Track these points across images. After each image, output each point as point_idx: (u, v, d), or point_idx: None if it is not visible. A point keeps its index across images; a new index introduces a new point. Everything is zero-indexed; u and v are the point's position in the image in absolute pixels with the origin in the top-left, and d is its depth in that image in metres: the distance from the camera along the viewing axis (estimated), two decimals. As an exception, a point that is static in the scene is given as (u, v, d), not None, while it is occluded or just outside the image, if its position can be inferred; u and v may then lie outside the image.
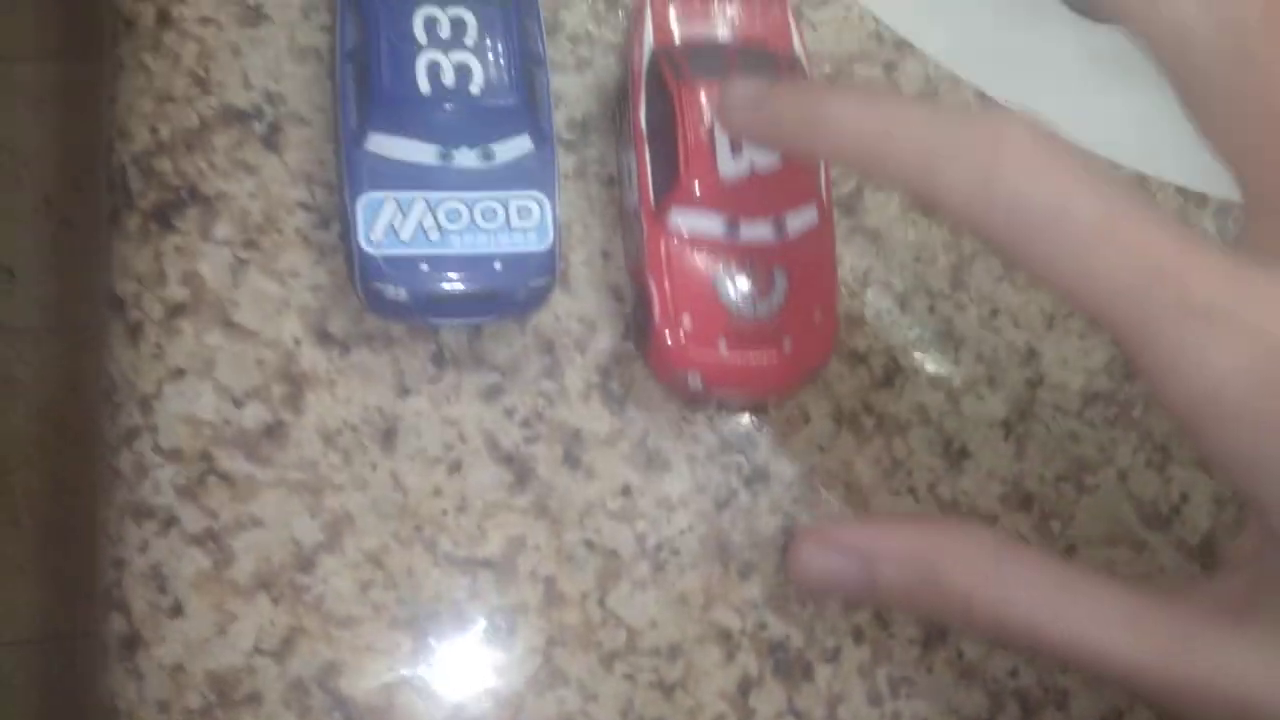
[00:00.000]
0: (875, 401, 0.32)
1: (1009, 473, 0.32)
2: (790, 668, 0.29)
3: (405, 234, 0.27)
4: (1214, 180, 0.36)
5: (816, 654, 0.29)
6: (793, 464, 0.30)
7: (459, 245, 0.27)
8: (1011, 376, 0.33)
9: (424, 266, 0.27)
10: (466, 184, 0.28)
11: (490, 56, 0.28)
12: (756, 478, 0.30)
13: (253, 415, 0.28)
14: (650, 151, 0.29)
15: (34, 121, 1.20)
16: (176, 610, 0.26)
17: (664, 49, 0.30)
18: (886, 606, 0.29)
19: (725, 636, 0.29)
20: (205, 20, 0.30)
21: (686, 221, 0.28)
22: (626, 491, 0.29)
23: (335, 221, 0.30)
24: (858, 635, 0.30)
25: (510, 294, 0.28)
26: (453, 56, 0.28)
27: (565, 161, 0.31)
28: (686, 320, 0.28)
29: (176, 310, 0.28)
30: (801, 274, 0.29)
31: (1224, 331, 0.19)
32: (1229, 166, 0.23)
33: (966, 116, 0.22)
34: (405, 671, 0.27)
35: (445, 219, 0.27)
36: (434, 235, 0.27)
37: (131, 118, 0.29)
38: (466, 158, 0.28)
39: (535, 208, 0.28)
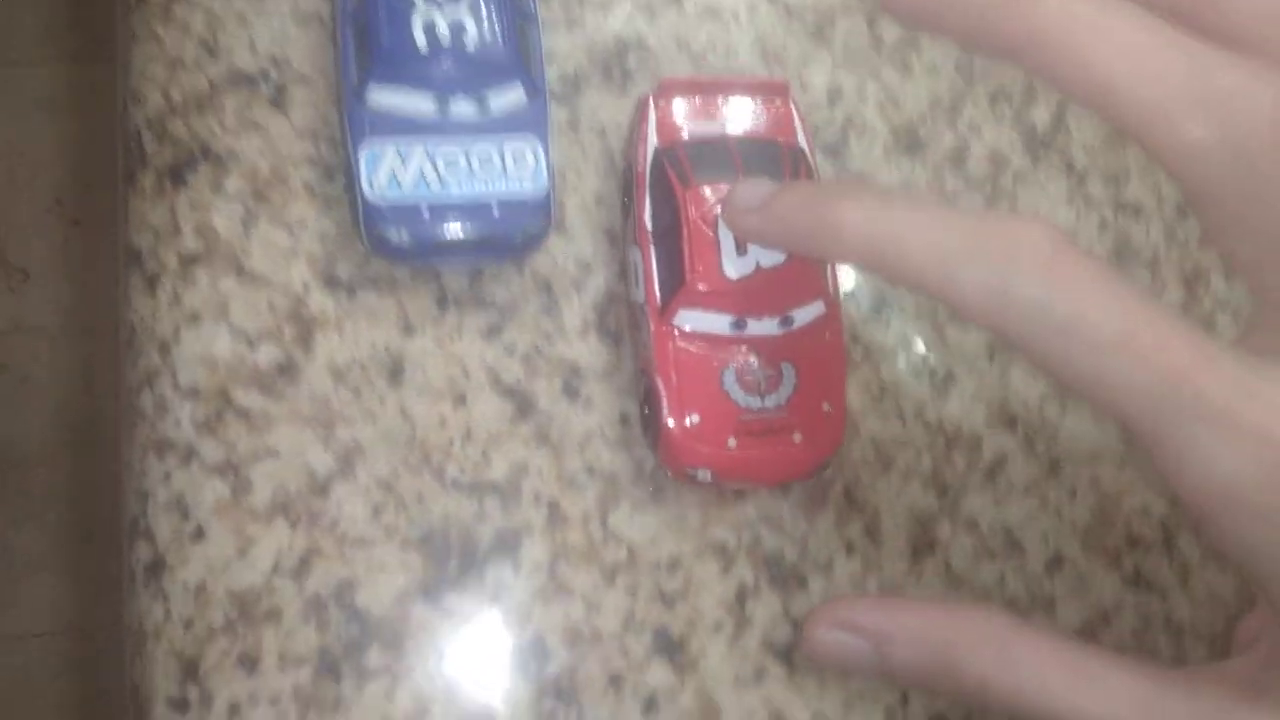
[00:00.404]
0: (863, 333, 0.33)
1: (994, 396, 0.33)
2: (785, 578, 0.30)
3: (406, 181, 0.29)
4: None
5: (810, 566, 0.30)
6: (782, 391, 0.32)
7: (458, 191, 0.29)
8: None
9: (425, 212, 0.29)
10: (463, 132, 0.29)
11: (483, 13, 0.29)
12: (748, 404, 0.32)
13: (266, 355, 0.29)
14: (656, 250, 0.29)
15: (45, 124, 1.22)
16: (199, 535, 0.28)
17: (667, 148, 0.29)
18: (900, 685, 0.30)
19: (721, 550, 0.30)
20: (210, -13, 0.32)
21: (693, 320, 0.28)
22: (625, 421, 0.31)
23: (340, 175, 0.31)
24: (849, 548, 0.31)
25: (508, 237, 0.29)
26: (447, 13, 0.29)
27: (558, 113, 0.33)
28: (695, 418, 0.28)
29: (191, 260, 0.29)
30: (810, 366, 0.29)
31: (1233, 433, 0.20)
32: (1237, 272, 0.23)
33: (982, 220, 0.22)
34: (418, 588, 0.28)
35: (444, 166, 0.29)
36: (433, 182, 0.29)
37: (144, 83, 0.31)
38: (462, 107, 0.29)
39: (530, 154, 0.30)
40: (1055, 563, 0.32)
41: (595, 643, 0.29)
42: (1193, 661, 0.33)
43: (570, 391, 0.31)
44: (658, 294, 0.29)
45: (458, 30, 0.29)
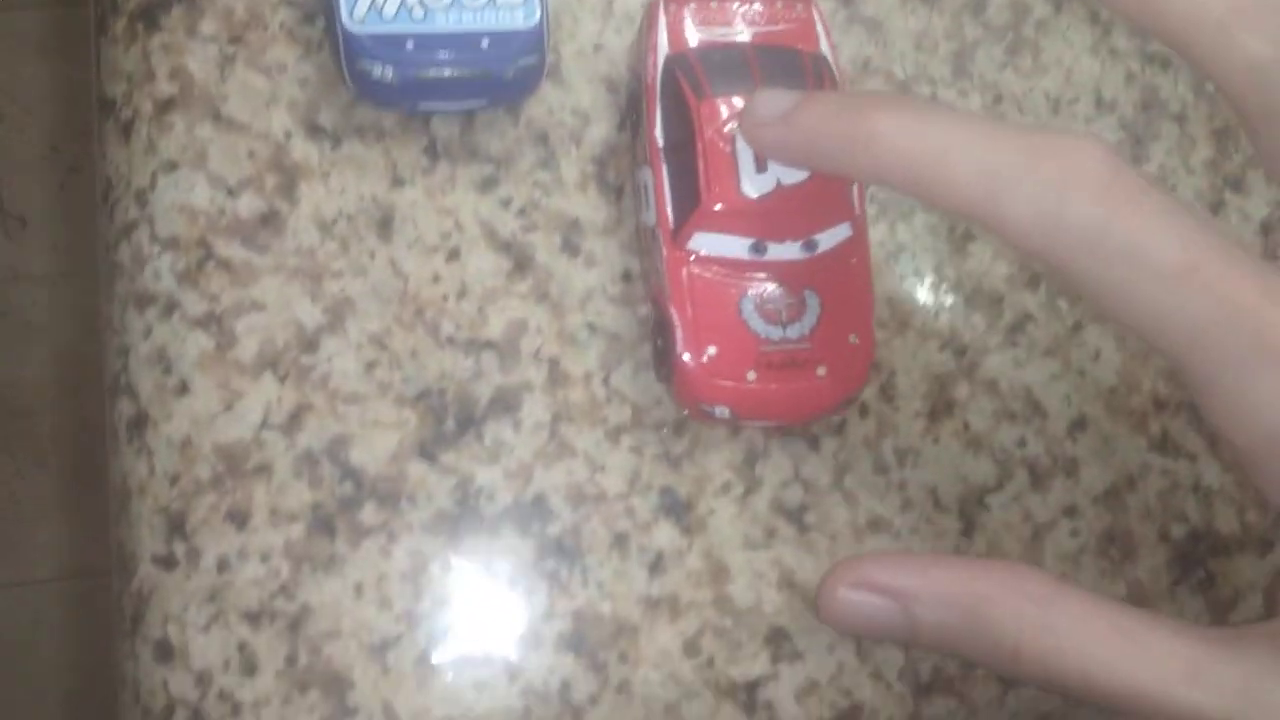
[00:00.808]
0: (877, 191, 0.31)
1: (1015, 254, 0.32)
2: (796, 440, 0.29)
3: (389, 11, 0.27)
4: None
5: (822, 426, 0.29)
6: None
7: (444, 23, 0.27)
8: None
9: (409, 45, 0.27)
10: (449, -39, 0.27)
11: None
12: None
13: (247, 205, 0.28)
14: (668, 169, 0.27)
15: (37, 69, 1.20)
16: (183, 389, 0.26)
17: (679, 57, 0.27)
18: (926, 650, 0.28)
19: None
20: None
21: (709, 244, 0.26)
22: (627, 277, 0.29)
23: (320, 17, 0.29)
24: (863, 410, 0.30)
25: (499, 74, 0.28)
26: None
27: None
28: (712, 350, 0.26)
29: (166, 105, 0.28)
30: (835, 294, 0.27)
31: None
32: None
33: (1034, 137, 0.20)
34: (414, 445, 0.27)
35: (429, -3, 0.27)
36: (418, 13, 0.27)
37: (111, -78, 0.29)
38: (448, -64, 0.27)
39: (522, -17, 0.28)
40: (1078, 425, 0.31)
41: (599, 503, 0.28)
42: (1221, 525, 0.31)
43: (570, 247, 0.29)
44: (670, 217, 0.27)
45: None
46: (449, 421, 0.27)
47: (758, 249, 0.26)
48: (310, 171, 0.28)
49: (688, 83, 0.26)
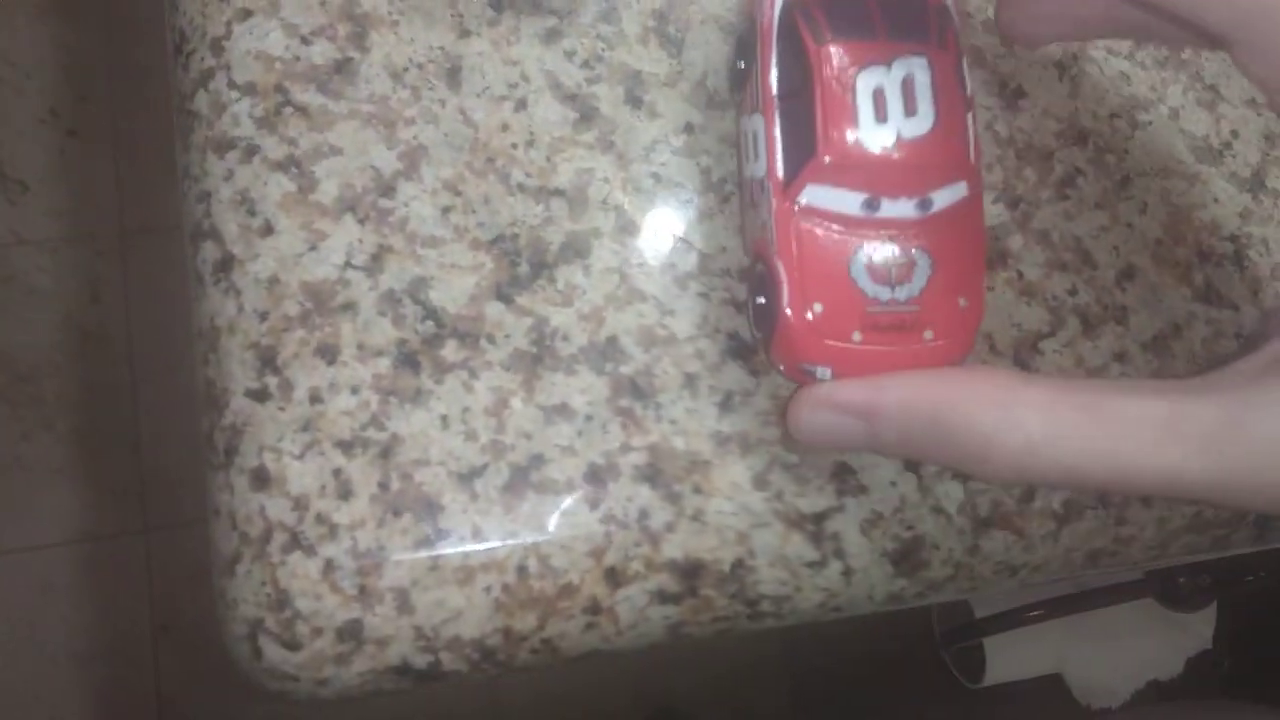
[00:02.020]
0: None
1: (1064, 111, 0.32)
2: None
3: None
4: None
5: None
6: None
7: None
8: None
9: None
10: None
11: None
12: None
13: (321, 52, 0.28)
14: (781, 117, 0.26)
15: (35, 34, 1.20)
16: (267, 230, 0.27)
17: (798, 1, 0.26)
18: (897, 458, 0.28)
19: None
20: None
21: (820, 198, 0.25)
22: (689, 129, 0.30)
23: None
24: (922, 255, 0.30)
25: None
26: None
27: None
28: (818, 307, 0.25)
29: (238, -40, 0.28)
30: (946, 256, 0.26)
31: None
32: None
33: None
34: (490, 287, 0.28)
35: None
36: None
37: None
38: None
39: None
40: (1126, 274, 0.32)
41: (670, 344, 0.28)
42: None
43: (633, 100, 0.30)
44: (781, 167, 0.26)
45: None
46: (523, 265, 0.28)
47: (871, 205, 0.25)
48: (380, 20, 0.29)
49: (807, 27, 0.25)
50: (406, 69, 0.28)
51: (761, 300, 0.26)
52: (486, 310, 0.27)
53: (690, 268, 0.29)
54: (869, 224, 0.25)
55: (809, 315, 0.25)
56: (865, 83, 0.25)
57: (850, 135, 0.25)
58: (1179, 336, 0.32)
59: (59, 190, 1.20)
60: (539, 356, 0.27)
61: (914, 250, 0.25)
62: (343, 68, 0.28)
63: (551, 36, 0.30)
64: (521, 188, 0.29)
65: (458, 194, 0.28)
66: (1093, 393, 0.21)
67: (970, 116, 0.26)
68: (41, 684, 1.08)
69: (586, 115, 0.29)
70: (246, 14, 0.28)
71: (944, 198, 0.25)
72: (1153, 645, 0.93)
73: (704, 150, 0.30)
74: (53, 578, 1.11)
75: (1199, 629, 0.92)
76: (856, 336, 0.25)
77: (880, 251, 0.25)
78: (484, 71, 0.29)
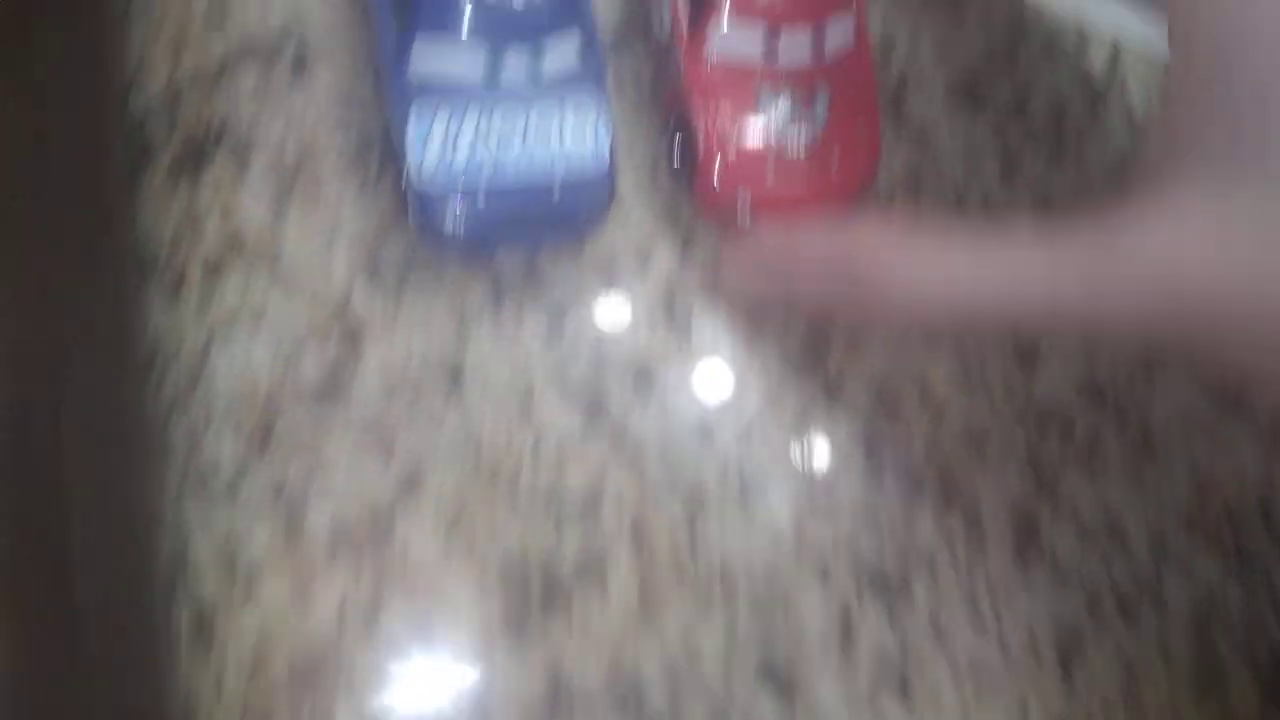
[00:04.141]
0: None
1: (1080, 368, 0.31)
2: (888, 588, 0.28)
3: (458, 156, 0.25)
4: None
5: (913, 571, 0.28)
6: (867, 371, 0.29)
7: (515, 173, 0.26)
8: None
9: (480, 200, 0.25)
10: (517, 99, 0.26)
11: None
12: (834, 385, 0.29)
13: (311, 366, 0.26)
14: None
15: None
16: (250, 588, 0.24)
17: None
18: (820, 316, 0.30)
19: (823, 573, 0.27)
20: (211, -51, 0.28)
21: (725, 42, 0.28)
22: (704, 430, 0.28)
23: (376, 149, 0.28)
24: (949, 538, 0.29)
25: (570, 212, 0.26)
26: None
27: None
28: (731, 151, 0.27)
29: (216, 263, 0.26)
30: (843, 91, 0.28)
31: None
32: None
33: None
34: (500, 619, 0.25)
35: (497, 139, 0.26)
36: (487, 158, 0.26)
37: (145, 63, 0.27)
38: (515, 69, 0.26)
39: (589, 119, 0.26)
40: (1158, 545, 0.30)
41: (696, 675, 0.26)
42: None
43: (642, 389, 0.28)
44: (685, 24, 0.28)
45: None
46: (533, 596, 0.26)
47: (770, 44, 0.28)
48: (374, 318, 0.26)
49: None
50: (404, 376, 0.26)
51: (680, 149, 0.28)
52: (497, 656, 0.25)
53: (716, 591, 0.27)
54: (771, 69, 0.28)
55: (728, 155, 0.27)
56: None
57: None
58: (1213, 605, 0.30)
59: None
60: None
61: (815, 86, 0.28)
62: (334, 381, 0.26)
63: (555, 326, 0.28)
64: (529, 500, 0.26)
65: (460, 517, 0.26)
66: (977, 238, 0.23)
67: None
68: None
69: (594, 411, 0.27)
70: (227, 331, 0.25)
71: (834, 37, 0.28)
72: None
73: (721, 441, 0.28)
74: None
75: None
76: (770, 173, 0.27)
77: (784, 91, 0.28)
78: (486, 370, 0.27)
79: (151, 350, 0.26)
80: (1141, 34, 0.36)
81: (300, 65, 0.28)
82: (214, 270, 0.26)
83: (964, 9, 0.34)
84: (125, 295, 0.27)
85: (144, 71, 0.27)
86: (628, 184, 0.29)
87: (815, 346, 0.29)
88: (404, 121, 0.25)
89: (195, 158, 0.26)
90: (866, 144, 0.28)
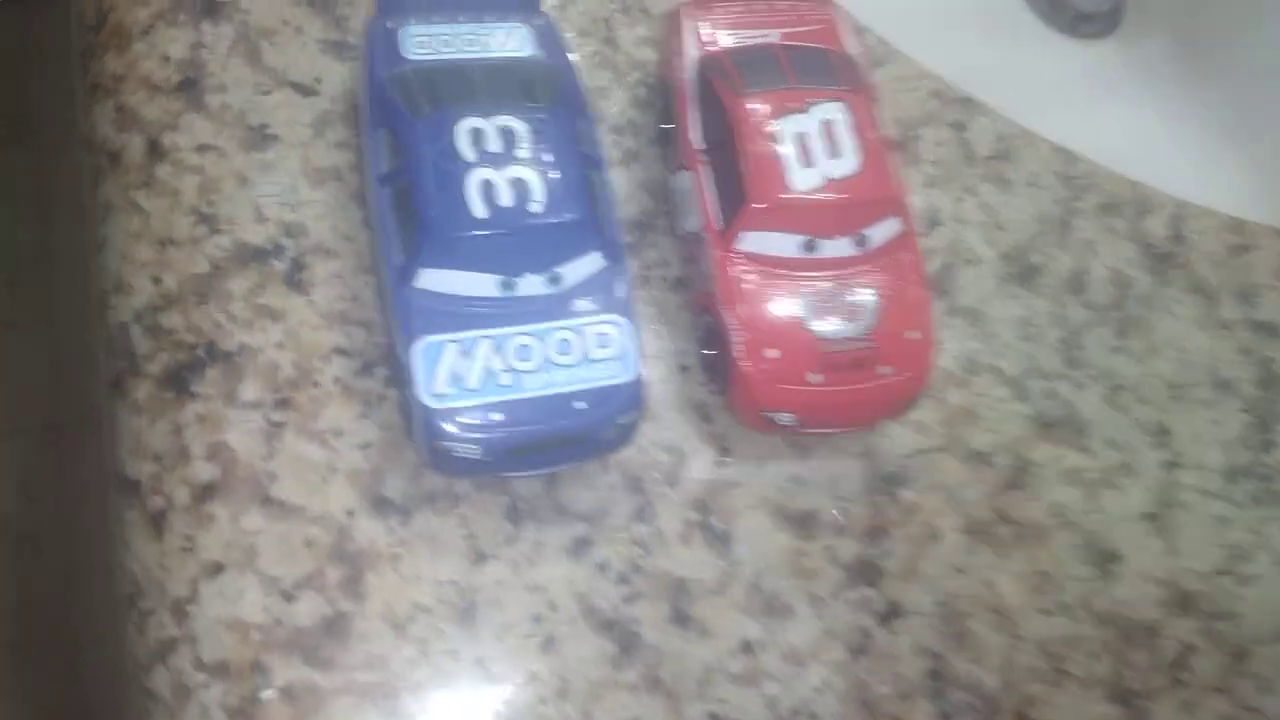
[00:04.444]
0: (1010, 509, 0.28)
1: (1164, 572, 0.28)
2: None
3: (471, 381, 0.23)
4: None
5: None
6: (929, 592, 0.27)
7: (534, 386, 0.23)
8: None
9: (496, 416, 0.23)
10: (535, 315, 0.24)
11: (547, 166, 0.24)
12: (891, 613, 0.26)
13: (308, 610, 0.23)
14: (709, 170, 0.26)
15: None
16: None
17: (709, 59, 0.27)
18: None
19: (888, 815, 0.24)
20: (204, 148, 0.26)
21: (759, 243, 0.25)
22: (747, 648, 0.25)
23: (379, 365, 0.25)
24: (1030, 787, 0.26)
25: (596, 434, 0.24)
26: (506, 171, 0.24)
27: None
28: (772, 353, 0.25)
29: (205, 492, 0.23)
30: (891, 291, 0.26)
31: None
32: None
33: None
34: None
35: (515, 358, 0.23)
36: (504, 378, 0.23)
37: (128, 268, 0.25)
38: (532, 284, 0.24)
39: (615, 332, 0.24)
40: (1258, 771, 0.27)
41: None
42: None
43: (680, 617, 0.25)
44: (715, 218, 0.26)
45: (521, 192, 0.24)
46: None
47: (809, 246, 0.25)
48: (378, 557, 0.24)
49: (722, 82, 0.26)
50: (411, 616, 0.24)
51: (713, 353, 0.26)
52: None
53: (760, 834, 0.24)
54: (811, 265, 0.25)
55: (764, 362, 0.25)
56: (787, 129, 0.25)
57: (778, 180, 0.25)
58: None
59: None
60: None
61: (859, 287, 0.26)
62: (334, 626, 0.23)
63: (580, 548, 0.25)
64: (554, 754, 0.23)
65: (477, 777, 0.23)
66: None
67: (890, 155, 0.26)
68: None
69: (627, 645, 0.25)
70: (216, 569, 0.23)
71: (879, 234, 0.26)
72: None
73: (767, 673, 0.25)
74: None
75: None
76: (813, 378, 0.25)
77: (826, 290, 0.25)
78: (503, 605, 0.24)
79: (134, 587, 0.23)
80: (1206, 192, 0.34)
81: (297, 273, 0.26)
82: (201, 498, 0.23)
83: (1011, 173, 0.32)
84: (111, 520, 0.25)
85: (128, 273, 0.25)
86: (656, 384, 0.27)
87: (866, 571, 0.27)
88: (411, 342, 0.23)
89: (182, 374, 0.24)
90: (918, 345, 0.26)
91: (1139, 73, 0.37)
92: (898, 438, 0.28)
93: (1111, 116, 0.36)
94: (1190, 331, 0.32)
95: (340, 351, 0.25)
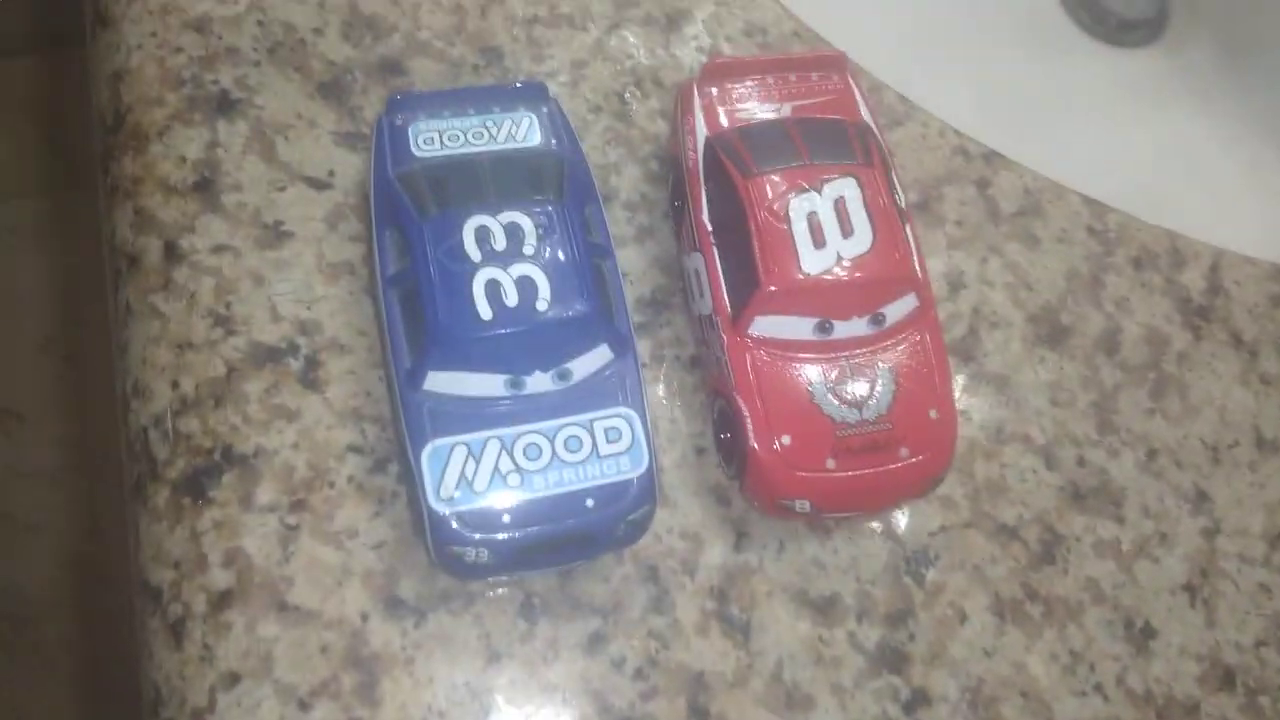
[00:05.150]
0: (1039, 585, 0.27)
1: (1203, 646, 0.27)
2: None
3: (480, 483, 0.23)
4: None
5: None
6: (956, 676, 0.26)
7: (543, 485, 0.23)
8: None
9: (506, 518, 0.23)
10: (543, 412, 0.24)
11: (554, 262, 0.24)
12: (917, 701, 0.26)
13: (325, 716, 0.23)
14: (720, 252, 0.26)
15: (30, 259, 1.18)
16: None
17: (719, 137, 0.26)
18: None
19: None
20: (220, 248, 0.26)
21: (771, 327, 0.25)
22: (768, 740, 0.25)
23: (392, 461, 0.25)
24: None
25: (608, 531, 0.24)
26: (513, 270, 0.24)
27: (640, 349, 0.27)
28: (785, 439, 0.24)
29: (222, 600, 0.24)
30: (909, 369, 0.25)
31: None
32: None
33: None
34: None
35: (524, 457, 0.23)
36: (513, 479, 0.23)
37: (147, 372, 0.26)
38: (540, 382, 0.24)
39: (625, 426, 0.24)
40: None
41: None
42: None
43: (698, 713, 0.25)
44: (727, 302, 0.25)
45: (527, 290, 0.24)
46: None
47: (823, 328, 0.25)
48: (393, 660, 0.24)
49: (732, 162, 0.25)
50: (428, 718, 0.24)
51: (726, 436, 0.25)
52: None
53: None
54: (824, 347, 0.25)
55: (777, 447, 0.24)
56: (797, 209, 0.25)
57: (790, 263, 0.24)
58: None
59: (57, 419, 1.16)
60: None
61: (875, 367, 0.25)
62: (350, 734, 0.23)
63: (595, 643, 0.25)
64: None
65: None
66: None
67: (908, 228, 0.25)
68: None
69: (645, 742, 0.24)
70: (234, 679, 0.23)
71: (895, 312, 0.25)
72: None
73: (788, 765, 0.25)
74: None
75: None
76: (830, 463, 0.24)
77: (841, 372, 0.25)
78: (518, 705, 0.24)
79: (156, 694, 0.23)
80: (1244, 245, 0.33)
81: (311, 371, 0.26)
82: (218, 606, 0.24)
83: (1039, 229, 0.32)
84: (136, 626, 0.25)
85: (147, 377, 0.26)
86: (671, 468, 0.27)
87: (890, 658, 0.26)
88: (420, 443, 0.23)
89: (199, 480, 0.24)
90: (939, 424, 0.25)
91: (1184, 80, 0.36)
92: (922, 514, 0.27)
93: (1154, 126, 0.35)
94: (1230, 389, 0.31)
95: (354, 449, 0.25)
